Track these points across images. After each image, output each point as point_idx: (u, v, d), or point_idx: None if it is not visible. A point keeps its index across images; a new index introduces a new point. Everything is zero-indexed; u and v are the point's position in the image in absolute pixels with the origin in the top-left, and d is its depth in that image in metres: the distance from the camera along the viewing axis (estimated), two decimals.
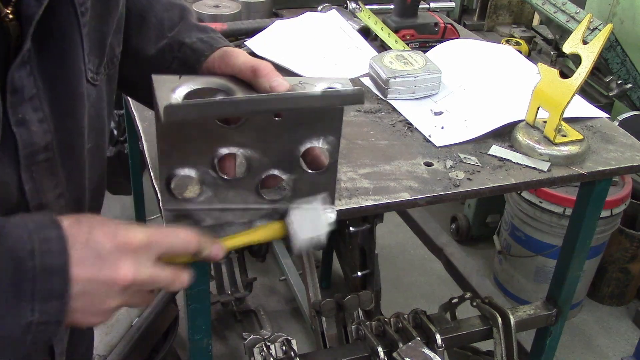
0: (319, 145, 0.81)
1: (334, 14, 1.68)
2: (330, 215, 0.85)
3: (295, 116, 0.78)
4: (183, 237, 0.68)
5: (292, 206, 0.81)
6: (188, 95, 0.74)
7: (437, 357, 1.25)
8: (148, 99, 0.88)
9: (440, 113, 1.30)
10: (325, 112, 0.79)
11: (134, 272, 0.62)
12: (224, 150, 0.80)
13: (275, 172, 0.82)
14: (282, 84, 0.74)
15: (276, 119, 0.79)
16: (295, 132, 0.80)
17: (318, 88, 0.77)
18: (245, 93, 0.77)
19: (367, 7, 1.72)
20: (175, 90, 0.73)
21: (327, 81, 0.79)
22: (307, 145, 0.81)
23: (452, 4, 2.31)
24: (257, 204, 0.84)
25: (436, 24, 1.66)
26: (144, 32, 0.86)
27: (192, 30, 0.86)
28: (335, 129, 0.81)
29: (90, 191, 0.78)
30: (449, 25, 1.67)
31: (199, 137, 0.78)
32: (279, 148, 0.81)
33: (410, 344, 1.27)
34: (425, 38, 1.66)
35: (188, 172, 0.80)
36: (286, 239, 0.80)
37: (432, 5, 1.80)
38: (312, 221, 0.80)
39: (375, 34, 1.64)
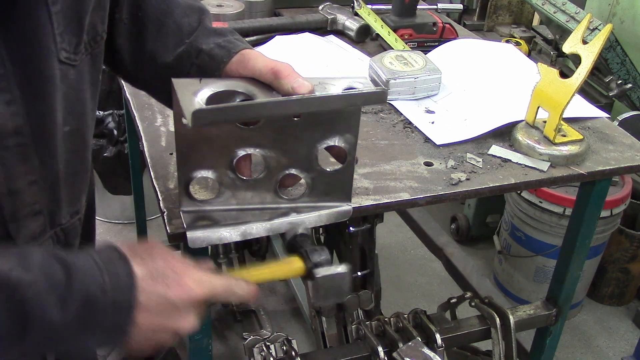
0: (336, 143, 0.81)
1: (332, 38, 1.68)
2: (347, 211, 0.85)
3: (314, 116, 0.79)
4: (243, 291, 0.76)
5: (319, 270, 0.81)
6: (209, 99, 0.73)
7: (437, 357, 1.25)
8: (167, 100, 0.87)
9: (432, 112, 1.30)
10: (344, 111, 0.79)
11: (193, 324, 0.72)
12: (242, 151, 0.80)
13: (293, 171, 0.83)
14: (303, 85, 0.74)
15: (295, 119, 0.79)
16: (313, 131, 0.80)
17: (338, 88, 0.77)
18: (265, 95, 0.76)
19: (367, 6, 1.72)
20: (196, 94, 0.73)
21: (347, 80, 0.78)
22: (325, 144, 0.81)
23: (460, 7, 2.32)
24: (275, 203, 0.84)
25: (434, 24, 1.66)
26: (162, 38, 0.84)
27: (209, 36, 0.84)
28: (353, 127, 0.81)
29: (67, 176, 0.75)
30: (447, 25, 1.67)
31: (218, 139, 0.78)
32: (297, 147, 0.81)
33: (410, 343, 1.27)
34: (423, 38, 1.66)
35: (206, 173, 0.80)
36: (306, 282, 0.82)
37: (440, 6, 1.80)
38: (337, 286, 0.81)
39: (376, 34, 1.64)
